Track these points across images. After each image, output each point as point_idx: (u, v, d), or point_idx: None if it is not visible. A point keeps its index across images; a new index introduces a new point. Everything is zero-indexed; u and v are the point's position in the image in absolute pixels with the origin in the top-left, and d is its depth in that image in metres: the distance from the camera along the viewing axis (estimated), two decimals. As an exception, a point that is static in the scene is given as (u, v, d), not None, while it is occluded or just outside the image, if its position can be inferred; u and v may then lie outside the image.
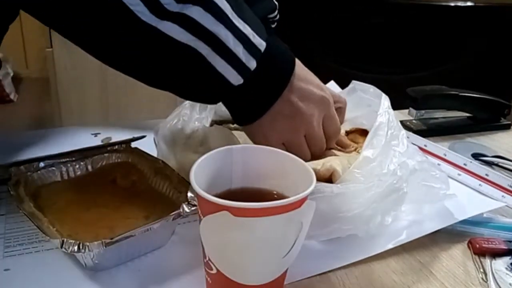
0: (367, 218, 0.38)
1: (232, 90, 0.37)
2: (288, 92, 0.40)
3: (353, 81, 0.54)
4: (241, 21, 0.36)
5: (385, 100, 0.47)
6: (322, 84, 0.43)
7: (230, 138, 0.45)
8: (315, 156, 0.43)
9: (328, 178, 0.40)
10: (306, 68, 0.42)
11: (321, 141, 0.43)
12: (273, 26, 0.56)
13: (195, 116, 0.50)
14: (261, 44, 0.37)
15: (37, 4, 0.34)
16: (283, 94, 0.40)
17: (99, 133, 0.59)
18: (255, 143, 0.42)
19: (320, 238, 0.40)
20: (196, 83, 0.38)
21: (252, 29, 0.37)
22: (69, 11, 0.33)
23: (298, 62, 0.41)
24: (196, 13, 0.33)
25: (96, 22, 0.33)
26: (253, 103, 0.40)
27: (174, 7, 0.33)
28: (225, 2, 0.35)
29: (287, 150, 0.36)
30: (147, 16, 0.32)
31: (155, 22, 0.33)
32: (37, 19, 0.35)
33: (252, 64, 0.37)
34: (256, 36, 0.37)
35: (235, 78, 0.36)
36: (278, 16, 0.56)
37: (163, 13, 0.32)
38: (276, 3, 0.55)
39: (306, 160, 0.38)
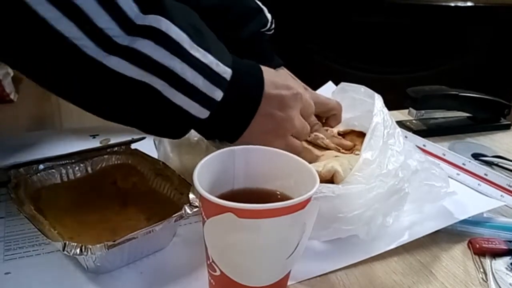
0: (367, 219, 0.38)
1: (200, 122, 0.36)
2: (265, 105, 0.39)
3: (342, 83, 0.55)
4: (201, 50, 0.34)
5: (378, 100, 0.47)
6: (287, 79, 0.42)
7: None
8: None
9: (329, 179, 0.40)
10: (270, 70, 0.41)
11: (306, 130, 0.43)
12: (269, 33, 0.56)
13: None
14: (225, 71, 0.36)
15: None
16: (261, 110, 0.39)
17: (97, 135, 0.59)
18: None
19: (321, 238, 0.40)
20: (158, 119, 0.36)
21: (215, 57, 0.35)
22: (14, 46, 0.30)
23: (264, 68, 0.40)
24: (147, 47, 0.31)
25: (42, 58, 0.31)
26: (227, 128, 0.39)
27: (123, 40, 0.30)
28: (182, 33, 0.32)
29: None
30: (93, 51, 0.30)
31: (102, 57, 0.30)
32: None
33: (217, 94, 0.35)
34: (220, 64, 0.35)
35: (199, 111, 0.35)
36: (273, 26, 0.56)
37: (111, 47, 0.30)
38: (269, 17, 0.55)
39: (301, 153, 0.39)
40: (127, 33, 0.30)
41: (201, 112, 0.35)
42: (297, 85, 0.43)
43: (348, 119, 0.52)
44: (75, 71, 0.31)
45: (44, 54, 0.31)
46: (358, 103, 0.52)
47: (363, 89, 0.52)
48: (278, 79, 0.41)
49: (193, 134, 0.49)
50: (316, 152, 0.47)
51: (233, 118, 0.38)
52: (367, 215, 0.38)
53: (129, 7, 0.30)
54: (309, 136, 0.48)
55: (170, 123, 0.37)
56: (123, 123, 0.37)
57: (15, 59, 0.32)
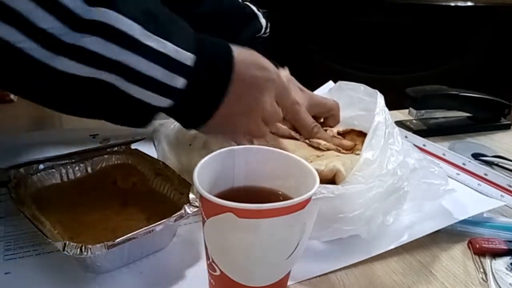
0: (368, 218, 0.38)
1: (163, 111, 0.35)
2: (235, 87, 0.37)
3: (340, 81, 0.55)
4: (157, 38, 0.32)
5: (380, 99, 0.47)
6: (263, 60, 0.40)
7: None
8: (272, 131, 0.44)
9: (331, 178, 0.40)
10: (244, 49, 0.39)
11: (277, 116, 0.42)
12: (264, 35, 0.56)
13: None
14: (187, 58, 0.34)
15: None
16: (231, 91, 0.37)
17: (97, 135, 0.59)
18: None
19: (321, 238, 0.40)
20: (119, 111, 0.35)
21: (174, 43, 0.33)
22: None
23: (236, 47, 0.38)
24: (95, 44, 0.29)
25: None
26: (195, 113, 0.38)
27: (69, 37, 0.28)
28: (133, 23, 0.31)
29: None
30: (38, 53, 0.28)
31: (48, 59, 0.29)
32: None
33: (178, 82, 0.34)
34: (180, 50, 0.33)
35: (160, 101, 0.34)
36: (268, 30, 0.56)
37: (56, 47, 0.28)
38: (263, 22, 0.55)
39: (266, 138, 0.40)
40: (73, 30, 0.28)
41: (162, 102, 0.34)
42: (272, 67, 0.40)
43: (348, 118, 0.52)
44: (26, 74, 0.30)
45: None
46: (356, 101, 0.52)
47: (362, 87, 0.52)
48: (251, 58, 0.39)
49: (190, 136, 0.49)
50: (316, 152, 0.47)
51: (201, 102, 0.37)
52: (367, 214, 0.38)
53: (71, 1, 0.28)
54: (309, 140, 0.48)
55: (132, 114, 0.36)
56: (86, 117, 0.36)
57: None
